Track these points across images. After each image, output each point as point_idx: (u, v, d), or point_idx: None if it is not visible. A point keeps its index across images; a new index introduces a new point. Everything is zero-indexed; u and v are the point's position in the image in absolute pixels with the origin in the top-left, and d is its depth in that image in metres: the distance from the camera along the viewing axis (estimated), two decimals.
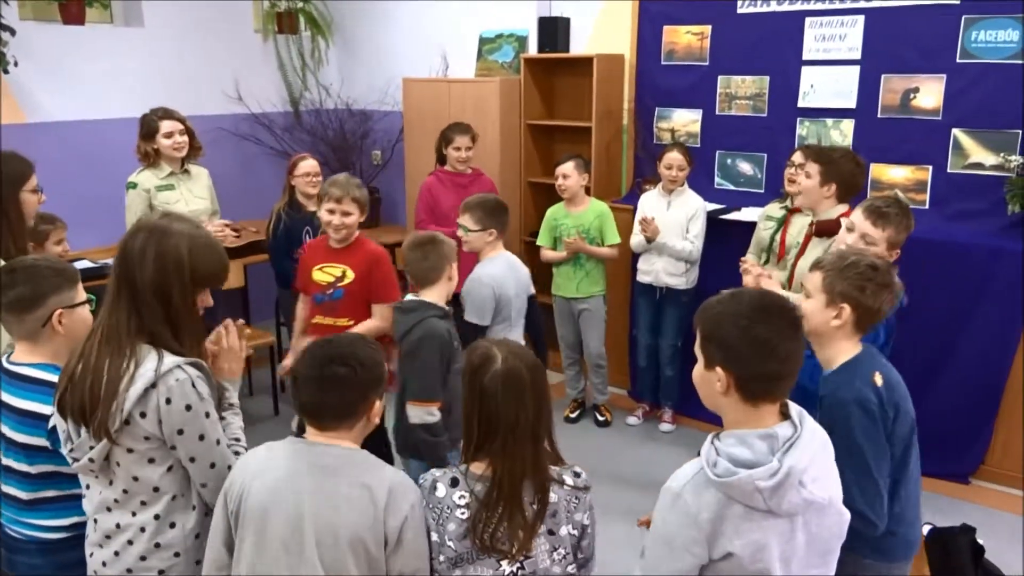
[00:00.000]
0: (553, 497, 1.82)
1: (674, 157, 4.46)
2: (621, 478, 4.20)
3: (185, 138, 4.24)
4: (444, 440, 2.85)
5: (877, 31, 4.28)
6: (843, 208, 3.36)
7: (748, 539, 1.53)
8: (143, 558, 1.92)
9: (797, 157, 4.03)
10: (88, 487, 1.97)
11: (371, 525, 1.74)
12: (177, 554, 1.93)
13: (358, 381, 1.80)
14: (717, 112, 4.88)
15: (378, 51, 6.28)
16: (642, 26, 5.05)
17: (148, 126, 4.20)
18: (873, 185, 4.37)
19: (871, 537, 2.08)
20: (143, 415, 1.82)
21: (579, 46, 5.30)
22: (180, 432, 1.85)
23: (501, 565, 1.79)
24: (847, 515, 1.65)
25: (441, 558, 1.80)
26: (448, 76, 5.78)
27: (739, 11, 4.68)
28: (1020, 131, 3.99)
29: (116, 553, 1.93)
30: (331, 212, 3.33)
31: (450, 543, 1.80)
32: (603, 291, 4.74)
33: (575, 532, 1.86)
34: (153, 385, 1.81)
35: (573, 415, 4.97)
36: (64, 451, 1.93)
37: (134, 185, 4.19)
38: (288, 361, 3.62)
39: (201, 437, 1.88)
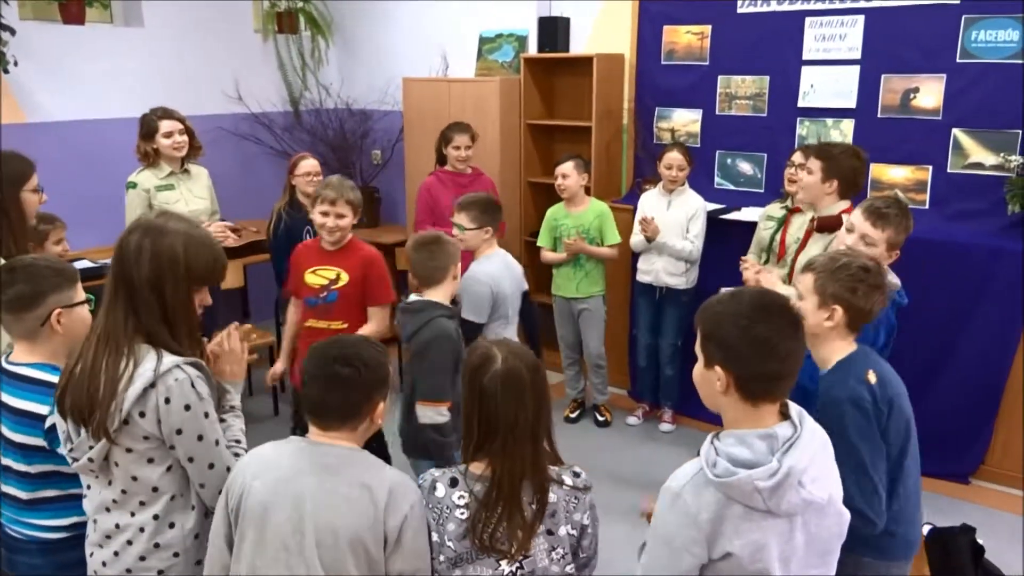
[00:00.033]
0: (552, 497, 1.82)
1: (674, 157, 4.47)
2: (621, 478, 4.20)
3: (185, 138, 4.24)
4: (453, 440, 2.84)
5: (877, 31, 4.28)
6: (844, 204, 3.36)
7: (747, 539, 1.52)
8: (142, 558, 1.91)
9: (797, 157, 4.03)
10: (89, 487, 1.97)
11: (371, 525, 1.74)
12: (176, 554, 1.93)
13: (362, 381, 1.80)
14: (717, 112, 4.88)
15: (378, 51, 6.28)
16: (642, 26, 5.05)
17: (148, 126, 4.19)
18: (873, 185, 4.37)
19: (870, 536, 2.08)
20: (142, 415, 1.82)
21: (579, 46, 5.30)
22: (179, 432, 1.85)
23: (500, 565, 1.79)
24: (847, 515, 1.65)
25: (441, 558, 1.81)
26: (448, 76, 5.78)
27: (739, 11, 4.68)
28: (1020, 131, 3.99)
29: (116, 553, 1.93)
30: (325, 214, 3.30)
31: (450, 543, 1.80)
32: (603, 291, 4.74)
33: (574, 532, 1.86)
34: (152, 385, 1.81)
35: (573, 415, 4.97)
36: (64, 451, 1.93)
37: (134, 185, 4.19)
38: (279, 367, 3.59)
39: (200, 437, 1.87)
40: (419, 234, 3.15)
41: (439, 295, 2.99)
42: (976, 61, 4.04)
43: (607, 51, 5.08)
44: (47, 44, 4.92)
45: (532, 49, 5.44)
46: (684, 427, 4.83)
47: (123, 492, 1.91)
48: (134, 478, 1.89)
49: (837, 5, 4.38)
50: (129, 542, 1.92)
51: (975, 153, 4.12)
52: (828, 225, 3.31)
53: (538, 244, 4.79)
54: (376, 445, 3.05)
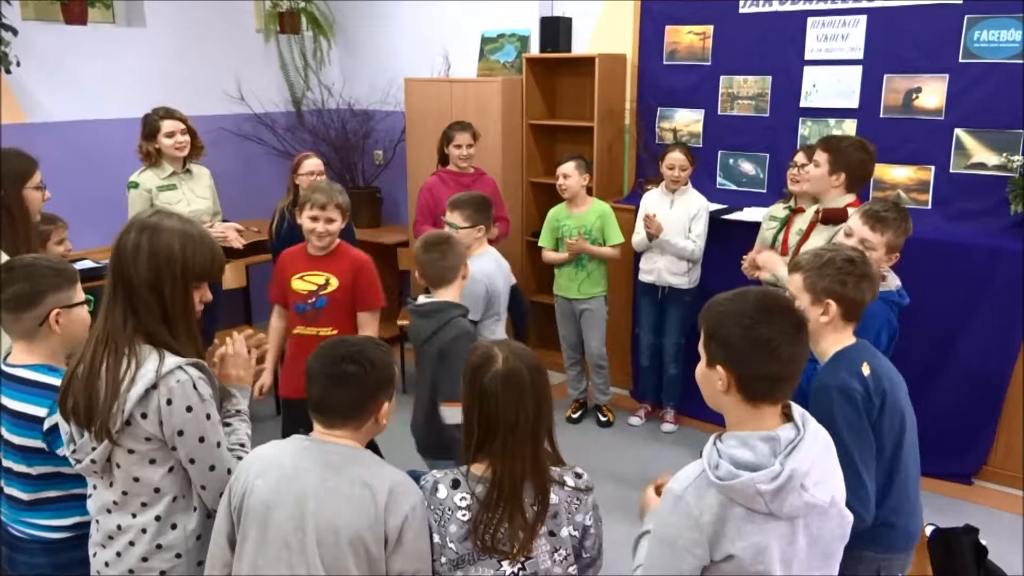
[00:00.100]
0: (554, 498, 1.82)
1: (676, 157, 4.46)
2: (623, 479, 4.20)
3: (187, 138, 4.24)
4: None
5: (879, 31, 4.28)
6: (850, 198, 3.36)
7: (749, 541, 1.52)
8: (145, 559, 1.91)
9: (800, 158, 4.03)
10: (95, 487, 1.97)
11: (371, 524, 1.74)
12: (179, 555, 1.92)
13: (368, 381, 1.80)
14: (719, 112, 4.88)
15: (380, 51, 6.28)
16: (644, 26, 5.04)
17: (150, 126, 4.20)
18: (876, 185, 4.37)
19: (865, 530, 2.07)
20: (144, 416, 1.82)
21: (581, 46, 5.29)
22: (180, 433, 1.84)
23: (502, 566, 1.79)
24: (849, 517, 1.65)
25: (443, 560, 1.80)
26: (450, 76, 5.77)
27: (741, 11, 4.68)
28: (1022, 131, 3.98)
29: (118, 554, 1.93)
30: (314, 219, 3.24)
31: (451, 545, 1.80)
32: (604, 291, 4.74)
33: (576, 533, 1.86)
34: (154, 386, 1.81)
35: (575, 415, 4.97)
36: (67, 452, 1.93)
37: (136, 185, 4.19)
38: (266, 379, 3.44)
39: (201, 439, 1.87)
40: (428, 234, 3.14)
41: (450, 295, 2.99)
42: (978, 61, 4.04)
43: (609, 51, 5.08)
44: (49, 44, 4.92)
45: (534, 49, 5.43)
46: (686, 427, 4.82)
47: (124, 493, 1.90)
48: (136, 479, 1.89)
49: (839, 5, 4.38)
50: (131, 543, 1.92)
51: (977, 153, 4.12)
52: (833, 217, 3.30)
53: (540, 244, 4.79)
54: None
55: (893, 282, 2.80)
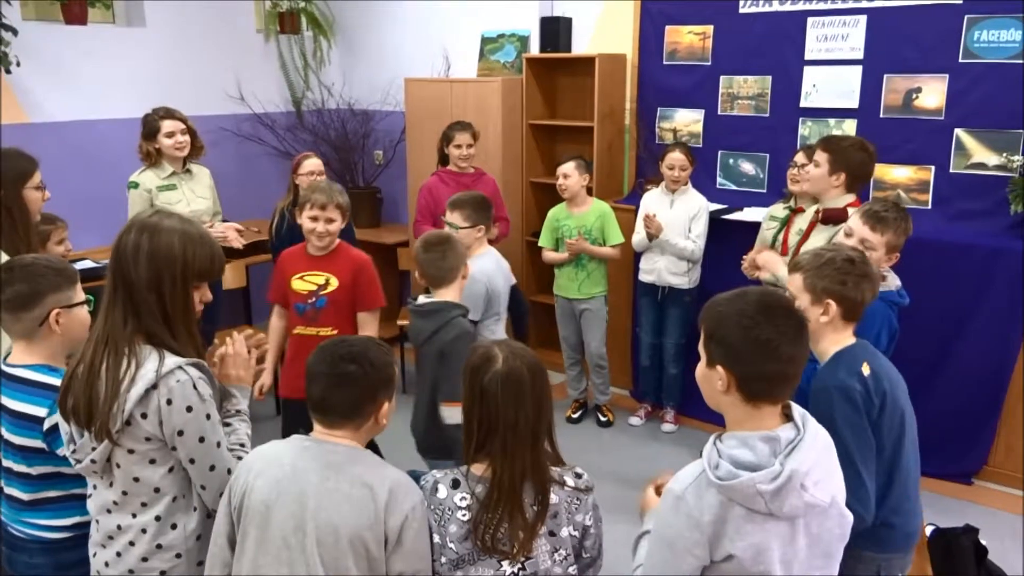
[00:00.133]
0: (554, 498, 1.82)
1: (676, 157, 4.46)
2: (623, 479, 4.19)
3: (187, 138, 4.24)
4: None
5: (879, 31, 4.28)
6: (850, 198, 3.35)
7: (749, 541, 1.52)
8: (145, 559, 1.91)
9: (800, 158, 4.03)
10: (95, 487, 1.97)
11: (371, 524, 1.74)
12: (179, 555, 1.92)
13: (367, 380, 1.81)
14: (719, 112, 4.88)
15: (380, 51, 6.28)
16: (644, 26, 5.04)
17: (150, 126, 4.20)
18: (876, 185, 4.36)
19: (865, 529, 2.08)
20: (144, 416, 1.82)
21: (581, 46, 5.29)
22: (180, 433, 1.84)
23: (502, 566, 1.79)
24: (849, 517, 1.65)
25: (443, 560, 1.80)
26: (450, 76, 5.77)
27: (741, 11, 4.68)
28: (1022, 131, 3.98)
29: (118, 554, 1.93)
30: (314, 219, 3.24)
31: (451, 545, 1.80)
32: (604, 291, 4.74)
33: (576, 533, 1.86)
34: (154, 386, 1.81)
35: (575, 415, 4.97)
36: (67, 452, 1.93)
37: (136, 185, 4.19)
38: (266, 379, 3.44)
39: (201, 439, 1.87)
40: (428, 234, 3.14)
41: (450, 295, 2.99)
42: (978, 61, 4.04)
43: (609, 51, 5.08)
44: (49, 44, 4.92)
45: (534, 49, 5.43)
46: (686, 427, 4.82)
47: (124, 493, 1.90)
48: (136, 479, 1.89)
49: (839, 5, 4.37)
50: (131, 543, 1.92)
51: (978, 153, 4.12)
52: (833, 217, 3.30)
53: (540, 244, 4.79)
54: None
55: (893, 282, 2.80)
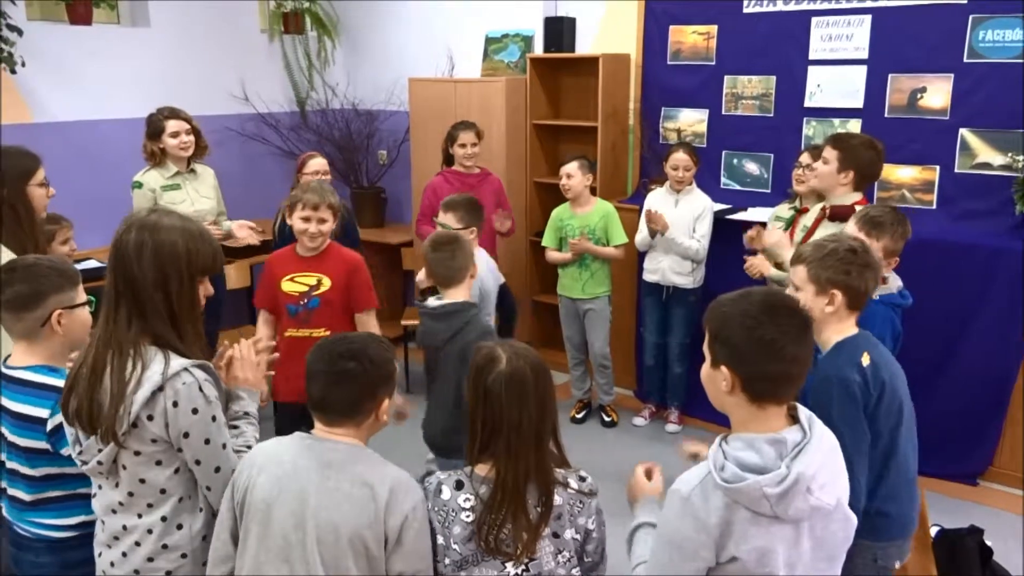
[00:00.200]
0: (557, 500, 1.82)
1: (680, 157, 4.46)
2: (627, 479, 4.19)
3: (191, 138, 4.25)
4: None
5: (884, 31, 4.27)
6: (857, 196, 3.35)
7: (754, 544, 1.52)
8: (150, 559, 1.92)
9: (805, 158, 4.02)
10: (101, 487, 1.97)
11: (371, 523, 1.74)
12: (184, 555, 1.93)
13: (367, 378, 1.80)
14: (723, 112, 4.87)
15: (384, 51, 6.28)
16: (648, 26, 5.04)
17: (154, 125, 4.21)
18: (881, 185, 4.35)
19: (861, 518, 2.07)
20: (150, 418, 1.82)
21: (585, 46, 5.29)
22: (186, 435, 1.85)
23: (506, 567, 1.79)
24: (854, 519, 1.65)
25: (446, 561, 1.80)
26: (454, 76, 5.77)
27: (745, 11, 4.67)
28: None
29: (124, 554, 1.93)
30: (306, 220, 3.22)
31: (455, 546, 1.80)
32: (608, 291, 4.73)
33: (578, 536, 1.85)
34: (160, 388, 1.81)
35: (579, 416, 4.97)
36: (72, 453, 1.93)
37: (140, 185, 4.20)
38: (264, 386, 3.44)
39: (207, 441, 1.87)
40: (437, 234, 3.14)
41: (460, 295, 2.99)
42: (983, 61, 4.03)
43: (613, 51, 5.08)
44: (54, 44, 4.93)
45: (538, 49, 5.43)
46: (691, 428, 4.81)
47: (130, 494, 1.91)
48: (142, 480, 1.89)
49: (844, 5, 4.37)
50: (137, 543, 1.92)
51: (983, 153, 4.11)
52: (841, 214, 3.29)
53: (543, 244, 4.79)
54: None
55: (894, 284, 2.79)
